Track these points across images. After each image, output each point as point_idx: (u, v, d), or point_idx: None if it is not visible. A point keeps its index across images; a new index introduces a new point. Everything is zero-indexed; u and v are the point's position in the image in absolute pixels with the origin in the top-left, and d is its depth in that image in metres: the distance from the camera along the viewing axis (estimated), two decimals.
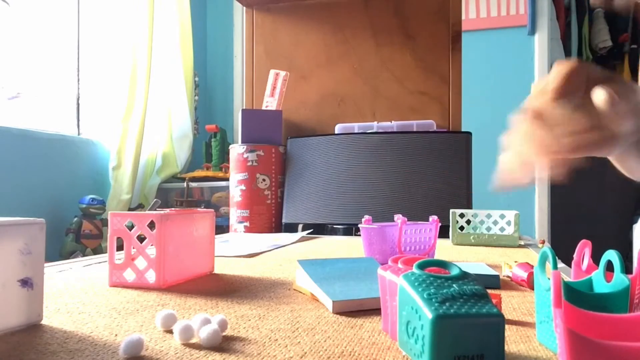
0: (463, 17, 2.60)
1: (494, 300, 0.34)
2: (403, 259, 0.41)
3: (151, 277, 0.59)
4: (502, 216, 1.08)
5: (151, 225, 0.59)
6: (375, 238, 0.78)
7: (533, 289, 0.59)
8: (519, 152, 0.44)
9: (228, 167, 2.35)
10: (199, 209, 0.70)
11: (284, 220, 1.57)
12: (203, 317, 0.41)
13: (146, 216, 0.59)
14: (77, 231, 2.16)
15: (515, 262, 0.66)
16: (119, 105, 2.43)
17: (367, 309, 0.48)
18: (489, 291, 0.35)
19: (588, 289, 0.38)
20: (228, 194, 2.19)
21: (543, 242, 1.08)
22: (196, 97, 2.98)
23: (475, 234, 1.10)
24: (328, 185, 1.54)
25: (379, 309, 0.42)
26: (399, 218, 0.77)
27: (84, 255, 2.14)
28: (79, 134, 2.45)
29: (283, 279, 0.66)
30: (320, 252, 1.00)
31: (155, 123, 2.68)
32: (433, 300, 0.32)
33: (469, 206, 1.42)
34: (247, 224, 1.54)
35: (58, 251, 2.13)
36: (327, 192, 1.54)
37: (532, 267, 0.62)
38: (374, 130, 1.62)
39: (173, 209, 0.66)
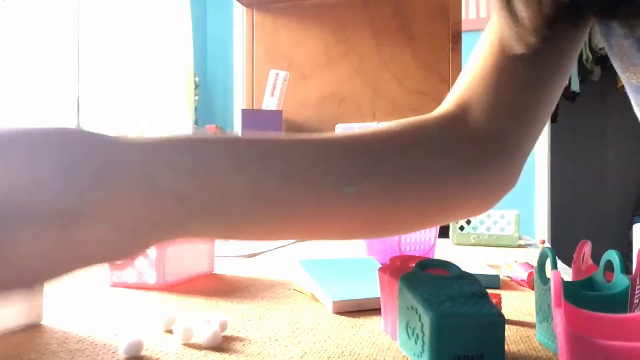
0: (463, 17, 2.60)
1: (494, 300, 0.34)
2: (403, 259, 0.41)
3: (151, 277, 0.59)
4: (502, 216, 1.08)
5: None
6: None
7: (533, 289, 0.59)
8: None
9: None
10: None
11: None
12: (203, 317, 0.41)
13: None
14: None
15: (515, 262, 0.66)
16: (119, 105, 2.43)
17: (367, 309, 0.48)
18: (489, 291, 0.35)
19: (588, 289, 0.38)
20: None
21: (543, 242, 1.08)
22: (196, 97, 2.98)
23: (475, 234, 1.10)
24: None
25: (379, 309, 0.42)
26: None
27: None
28: None
29: (283, 279, 0.66)
30: (320, 252, 1.00)
31: (155, 123, 2.68)
32: (433, 300, 0.32)
33: None
34: None
35: None
36: None
37: (532, 267, 0.62)
38: None
39: None
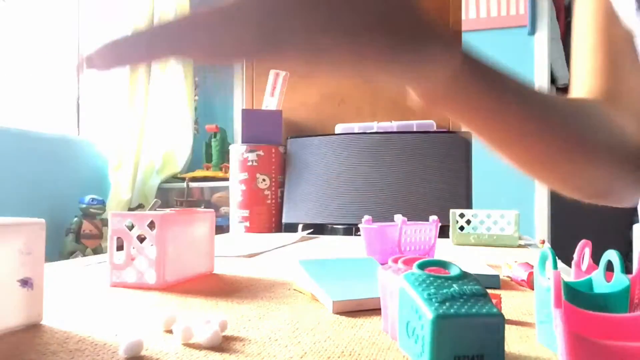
0: (463, 17, 2.60)
1: (494, 300, 0.34)
2: (403, 259, 0.41)
3: (151, 277, 0.59)
4: (502, 216, 1.08)
5: (151, 225, 0.59)
6: (375, 238, 0.78)
7: (533, 289, 0.59)
8: None
9: (228, 167, 2.35)
10: (199, 209, 0.69)
11: (284, 220, 1.57)
12: (203, 317, 0.41)
13: (146, 216, 0.59)
14: (77, 231, 2.15)
15: (515, 262, 0.66)
16: (119, 105, 2.43)
17: (367, 309, 0.48)
18: (489, 291, 0.35)
19: (588, 289, 0.38)
20: (228, 194, 2.19)
21: (543, 242, 1.08)
22: (196, 97, 2.98)
23: (475, 234, 1.10)
24: (328, 186, 1.54)
25: (379, 309, 0.42)
26: (399, 218, 0.77)
27: (84, 255, 2.14)
28: (78, 134, 2.45)
29: (283, 279, 0.66)
30: (320, 252, 1.00)
31: (155, 123, 2.68)
32: (433, 300, 0.32)
33: (469, 206, 1.42)
34: (247, 224, 1.54)
35: (58, 251, 2.13)
36: (327, 192, 1.54)
37: (532, 267, 0.62)
38: (374, 130, 1.62)
39: (173, 209, 0.66)
